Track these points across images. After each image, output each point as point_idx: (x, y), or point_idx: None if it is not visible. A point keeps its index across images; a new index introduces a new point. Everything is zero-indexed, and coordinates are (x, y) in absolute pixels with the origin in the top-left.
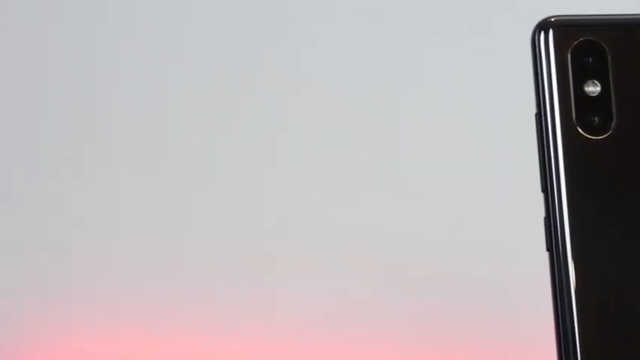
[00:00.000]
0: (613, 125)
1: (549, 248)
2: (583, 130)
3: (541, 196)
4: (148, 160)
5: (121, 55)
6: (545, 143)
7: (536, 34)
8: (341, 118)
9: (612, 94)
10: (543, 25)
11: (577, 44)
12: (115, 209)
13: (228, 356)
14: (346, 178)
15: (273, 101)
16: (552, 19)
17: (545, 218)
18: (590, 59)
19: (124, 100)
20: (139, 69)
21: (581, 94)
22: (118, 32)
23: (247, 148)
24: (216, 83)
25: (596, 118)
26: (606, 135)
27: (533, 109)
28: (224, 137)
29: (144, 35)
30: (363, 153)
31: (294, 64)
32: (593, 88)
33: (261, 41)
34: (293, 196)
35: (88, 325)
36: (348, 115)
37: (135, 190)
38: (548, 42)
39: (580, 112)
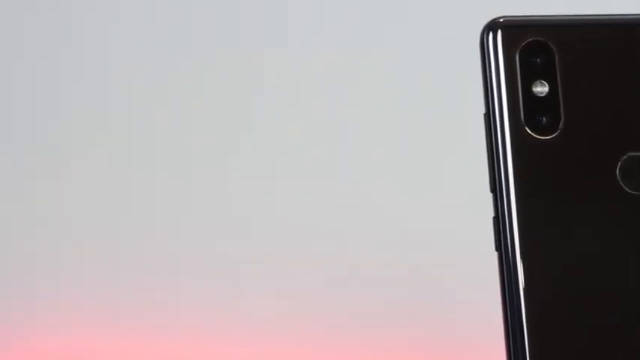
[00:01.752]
0: (561, 125)
1: (498, 248)
2: (531, 130)
3: (490, 196)
4: (113, 159)
5: (79, 41)
6: (493, 143)
7: (485, 34)
8: (302, 118)
9: (560, 94)
10: (491, 26)
11: (525, 45)
12: (79, 209)
13: (193, 356)
14: (306, 177)
15: (237, 101)
16: (500, 20)
17: (494, 218)
18: (538, 59)
19: (89, 98)
20: (98, 62)
21: (529, 94)
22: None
23: (211, 146)
24: (180, 82)
25: (544, 118)
26: (554, 135)
27: (482, 110)
28: (188, 135)
29: (104, 19)
30: (320, 152)
31: (257, 64)
32: (541, 89)
33: (222, 41)
34: (254, 196)
35: (51, 326)
36: (308, 115)
37: (99, 190)
38: (497, 43)
39: (528, 113)
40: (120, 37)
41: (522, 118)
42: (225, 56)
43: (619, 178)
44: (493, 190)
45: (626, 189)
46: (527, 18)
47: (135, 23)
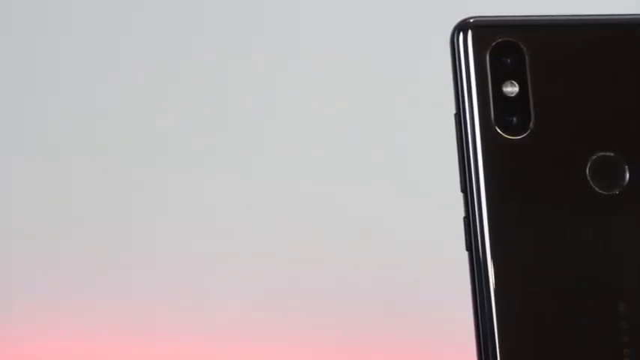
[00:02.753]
0: (531, 125)
1: (469, 248)
2: (502, 131)
3: (461, 196)
4: (90, 161)
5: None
6: (464, 143)
7: (455, 35)
8: (275, 119)
9: (530, 94)
10: (462, 26)
11: (495, 45)
12: (55, 211)
13: (160, 356)
14: (277, 177)
15: (210, 101)
16: (471, 20)
17: (464, 218)
18: (509, 60)
19: (64, 101)
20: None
21: (499, 94)
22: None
23: (185, 146)
24: (156, 84)
25: (514, 119)
26: (524, 135)
27: (453, 110)
28: (161, 135)
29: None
30: (293, 153)
31: (233, 64)
32: (511, 89)
33: (196, 42)
34: (228, 196)
35: (27, 326)
36: (281, 116)
37: (75, 191)
38: (467, 43)
39: (498, 113)
40: (100, 38)
41: (492, 118)
42: (200, 57)
43: (589, 178)
44: (464, 190)
45: (596, 189)
46: (497, 18)
47: (113, 24)
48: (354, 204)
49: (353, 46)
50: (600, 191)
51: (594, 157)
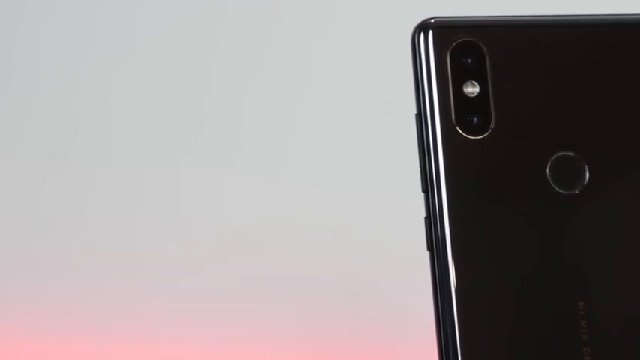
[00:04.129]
0: (492, 125)
1: (430, 248)
2: (462, 131)
3: (422, 196)
4: (67, 162)
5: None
6: (425, 143)
7: (416, 35)
8: (234, 119)
9: (490, 94)
10: (423, 27)
11: (456, 45)
12: (29, 209)
13: (140, 357)
14: (237, 177)
15: (187, 102)
16: (432, 21)
17: (425, 218)
18: (469, 60)
19: (39, 101)
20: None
21: (460, 94)
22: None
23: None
24: (131, 85)
25: (475, 119)
26: (485, 135)
27: (414, 110)
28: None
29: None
30: (255, 152)
31: (205, 66)
32: (471, 89)
33: (170, 42)
34: (191, 198)
35: (9, 326)
36: (241, 116)
37: (49, 192)
38: (428, 43)
39: (459, 113)
40: (77, 37)
41: (453, 118)
42: (174, 57)
43: (549, 177)
44: (425, 190)
45: (556, 188)
46: (457, 19)
47: (88, 23)
48: (317, 204)
49: (315, 48)
50: (560, 191)
51: (554, 156)
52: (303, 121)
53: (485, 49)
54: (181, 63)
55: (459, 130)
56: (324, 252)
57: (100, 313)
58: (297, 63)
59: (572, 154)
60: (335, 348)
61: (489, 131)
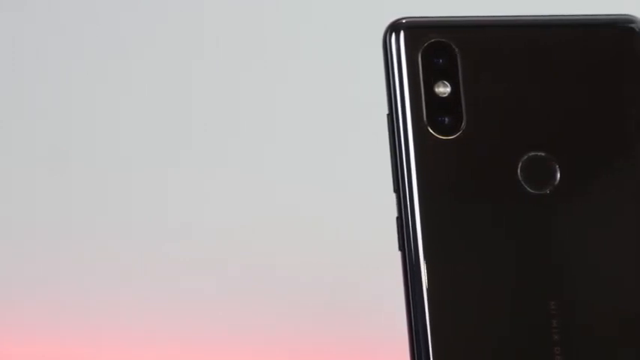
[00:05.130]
0: (463, 125)
1: (401, 248)
2: (434, 131)
3: (393, 196)
4: (53, 163)
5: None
6: (396, 144)
7: (387, 35)
8: (207, 120)
9: (462, 94)
10: (394, 27)
11: (427, 45)
12: (18, 210)
13: (139, 357)
14: (210, 178)
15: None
16: (403, 21)
17: (397, 218)
18: (441, 60)
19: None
20: None
21: (431, 94)
22: None
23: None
24: (118, 87)
25: (446, 119)
26: (456, 135)
27: (385, 110)
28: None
29: None
30: (229, 153)
31: (174, 74)
32: (443, 89)
33: (153, 42)
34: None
35: (9, 327)
36: (215, 116)
37: (39, 193)
38: (399, 43)
39: (431, 113)
40: (63, 37)
41: (425, 118)
42: (155, 57)
43: (520, 177)
44: (396, 190)
45: (527, 188)
46: (429, 19)
47: (73, 24)
48: (290, 204)
49: (290, 49)
50: (531, 191)
51: (525, 156)
52: (277, 123)
53: (456, 50)
54: (168, 63)
55: (431, 130)
56: (296, 252)
57: (100, 314)
58: (274, 65)
59: (543, 154)
60: (306, 348)
61: (461, 131)
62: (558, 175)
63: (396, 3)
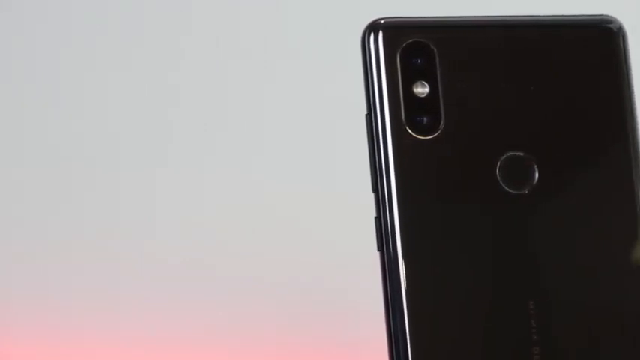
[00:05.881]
0: (441, 125)
1: (380, 248)
2: (412, 131)
3: (372, 196)
4: (40, 162)
5: None
6: (375, 144)
7: (366, 35)
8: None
9: (440, 94)
10: (373, 27)
11: (406, 46)
12: (5, 210)
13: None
14: (189, 177)
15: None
16: (382, 21)
17: (375, 218)
18: (419, 60)
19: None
20: None
21: (410, 94)
22: None
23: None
24: (107, 86)
25: (425, 119)
26: (435, 135)
27: (364, 110)
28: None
29: None
30: (210, 155)
31: (152, 72)
32: (421, 89)
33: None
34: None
35: (8, 327)
36: (200, 116)
37: (27, 192)
38: (378, 43)
39: (409, 113)
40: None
41: (403, 118)
42: (142, 57)
43: (499, 177)
44: (375, 190)
45: (506, 188)
46: (408, 19)
47: (57, 24)
48: (269, 204)
49: (265, 46)
50: (510, 191)
51: (504, 156)
52: (255, 121)
53: (435, 50)
54: (154, 64)
55: (409, 131)
56: (275, 252)
57: (100, 314)
58: (254, 65)
59: (521, 154)
60: (284, 349)
61: (439, 131)
62: (537, 175)
63: (375, 3)
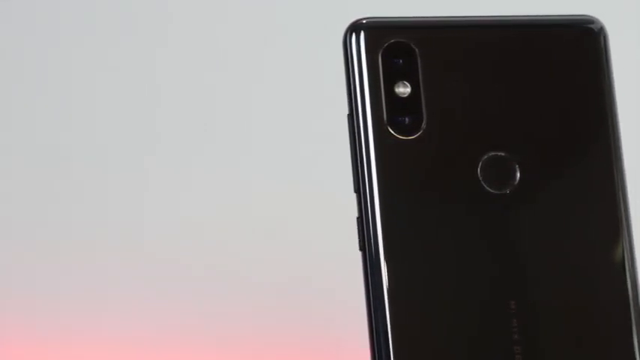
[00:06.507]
0: (423, 125)
1: (362, 248)
2: (394, 131)
3: (354, 196)
4: (32, 160)
5: None
6: (357, 144)
7: (348, 36)
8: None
9: (422, 94)
10: (354, 27)
11: (388, 46)
12: (28, 208)
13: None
14: (174, 177)
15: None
16: (363, 21)
17: (357, 218)
18: (401, 61)
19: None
20: None
21: (391, 95)
22: None
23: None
24: (97, 84)
25: (406, 119)
26: (417, 135)
27: (346, 111)
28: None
29: None
30: (192, 154)
31: (131, 72)
32: (403, 89)
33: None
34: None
35: (7, 328)
36: (184, 116)
37: (16, 192)
38: (360, 44)
39: (391, 113)
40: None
41: (385, 118)
42: (131, 55)
43: (480, 177)
44: (357, 190)
45: (487, 188)
46: (389, 19)
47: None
48: (250, 204)
49: (247, 46)
50: (491, 190)
51: (485, 156)
52: (237, 121)
53: (416, 50)
54: (141, 61)
55: (391, 131)
56: (258, 252)
57: (99, 314)
58: (241, 65)
59: (503, 154)
60: (268, 348)
61: (421, 131)
62: (518, 175)
63: (358, 3)
